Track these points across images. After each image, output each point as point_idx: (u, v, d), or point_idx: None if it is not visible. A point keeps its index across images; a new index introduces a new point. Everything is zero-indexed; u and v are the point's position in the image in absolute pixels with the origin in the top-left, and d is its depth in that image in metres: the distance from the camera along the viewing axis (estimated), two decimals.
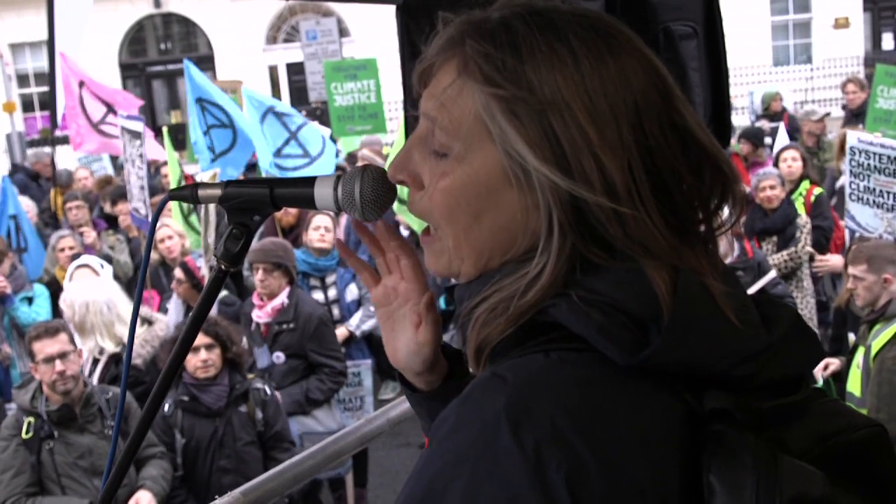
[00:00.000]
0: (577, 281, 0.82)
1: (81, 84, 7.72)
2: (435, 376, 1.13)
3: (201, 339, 4.23)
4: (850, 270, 4.38)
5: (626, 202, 0.82)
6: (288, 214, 6.84)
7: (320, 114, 14.30)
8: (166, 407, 4.31)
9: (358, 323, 6.02)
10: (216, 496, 1.78)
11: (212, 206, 5.49)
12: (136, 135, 5.75)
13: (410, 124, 2.09)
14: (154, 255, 6.25)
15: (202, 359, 4.25)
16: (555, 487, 0.72)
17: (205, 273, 5.56)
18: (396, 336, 1.13)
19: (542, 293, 0.83)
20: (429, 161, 0.92)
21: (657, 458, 0.76)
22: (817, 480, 0.76)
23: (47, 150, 11.50)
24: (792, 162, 7.18)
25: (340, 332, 5.87)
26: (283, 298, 5.11)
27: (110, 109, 7.75)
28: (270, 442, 4.44)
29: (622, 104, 0.84)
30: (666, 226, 0.84)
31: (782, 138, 9.12)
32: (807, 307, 6.37)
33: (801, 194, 7.08)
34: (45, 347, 4.02)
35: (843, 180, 7.72)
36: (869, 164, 5.23)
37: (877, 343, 4.02)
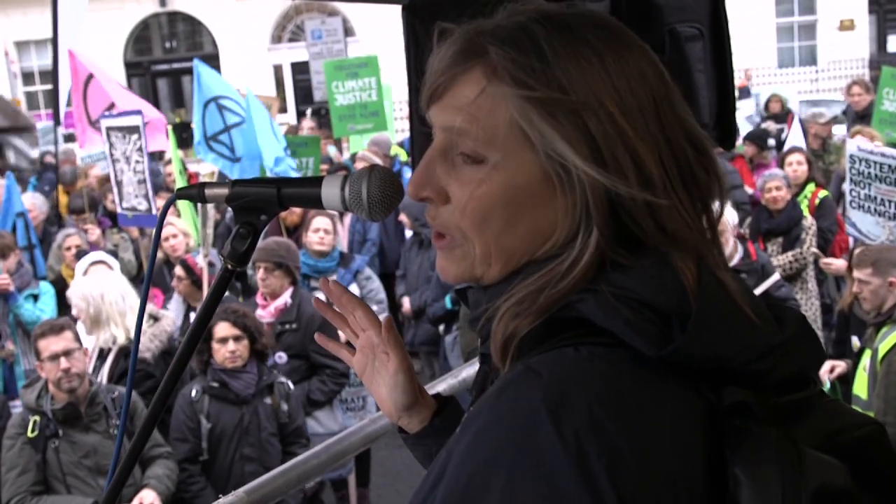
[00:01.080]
0: (605, 276, 0.84)
1: (88, 80, 7.69)
2: (424, 413, 1.17)
3: (230, 330, 4.33)
4: (856, 274, 4.37)
5: (661, 193, 0.85)
6: (292, 214, 6.84)
7: (325, 113, 14.26)
8: (193, 392, 4.39)
9: None
10: (237, 484, 1.78)
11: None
12: (133, 129, 5.70)
13: (416, 136, 2.08)
14: (158, 254, 6.26)
15: (230, 349, 4.33)
16: (597, 476, 0.73)
17: (202, 266, 5.56)
18: (378, 384, 1.19)
19: (572, 285, 0.84)
20: (455, 173, 0.92)
21: (685, 451, 0.77)
22: (840, 472, 0.78)
23: (69, 146, 11.52)
24: (797, 165, 7.13)
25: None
26: (286, 298, 5.11)
27: (110, 107, 7.73)
28: (290, 437, 4.50)
29: (644, 98, 0.87)
30: (695, 213, 0.87)
31: (795, 137, 8.85)
32: (811, 309, 6.36)
33: (806, 197, 7.06)
34: (50, 345, 4.04)
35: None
36: (869, 173, 5.21)
37: (884, 346, 4.01)
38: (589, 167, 0.84)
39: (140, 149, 5.68)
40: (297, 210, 6.70)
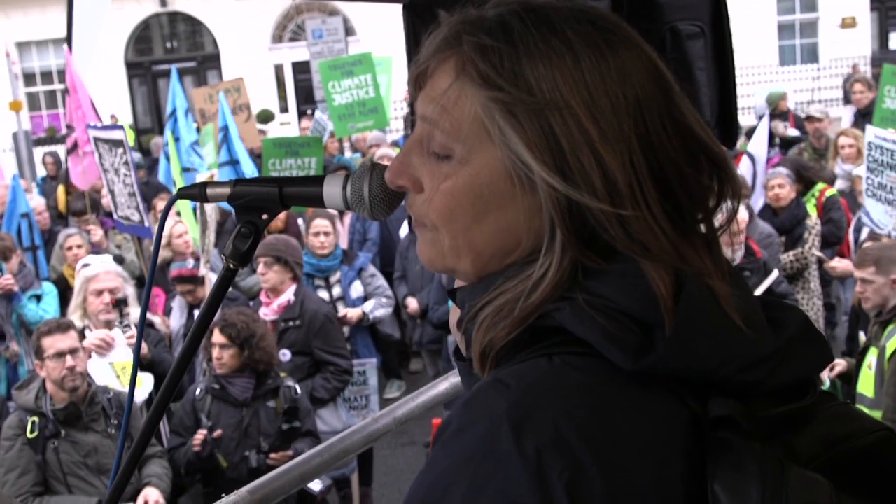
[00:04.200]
0: (581, 283, 0.81)
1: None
2: None
3: (217, 337, 4.37)
4: (859, 273, 4.34)
5: (629, 200, 0.80)
6: (276, 220, 6.83)
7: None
8: (197, 391, 4.45)
9: (372, 308, 6.03)
10: (238, 485, 1.77)
11: (210, 207, 5.47)
12: (117, 143, 5.69)
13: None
14: (161, 253, 6.26)
15: (216, 356, 4.37)
16: (555, 494, 0.71)
17: (203, 273, 5.56)
18: None
19: (546, 295, 0.82)
20: (428, 164, 0.90)
21: (660, 466, 0.75)
22: (824, 489, 0.75)
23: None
24: (779, 189, 6.70)
25: (354, 312, 5.88)
26: (289, 296, 5.12)
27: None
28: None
29: (622, 99, 0.82)
30: (669, 224, 0.82)
31: (758, 142, 7.79)
32: (812, 309, 6.32)
33: (813, 195, 7.01)
34: (56, 342, 4.07)
35: (840, 184, 7.70)
36: (883, 161, 5.17)
37: (891, 344, 3.98)
38: (547, 173, 0.81)
39: (126, 162, 5.66)
40: (282, 215, 6.71)
